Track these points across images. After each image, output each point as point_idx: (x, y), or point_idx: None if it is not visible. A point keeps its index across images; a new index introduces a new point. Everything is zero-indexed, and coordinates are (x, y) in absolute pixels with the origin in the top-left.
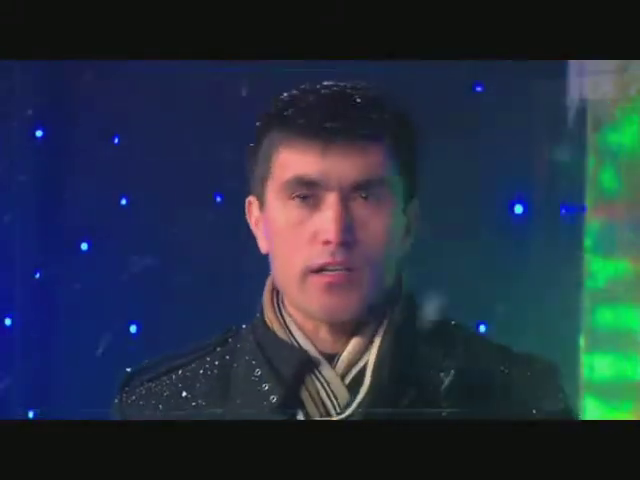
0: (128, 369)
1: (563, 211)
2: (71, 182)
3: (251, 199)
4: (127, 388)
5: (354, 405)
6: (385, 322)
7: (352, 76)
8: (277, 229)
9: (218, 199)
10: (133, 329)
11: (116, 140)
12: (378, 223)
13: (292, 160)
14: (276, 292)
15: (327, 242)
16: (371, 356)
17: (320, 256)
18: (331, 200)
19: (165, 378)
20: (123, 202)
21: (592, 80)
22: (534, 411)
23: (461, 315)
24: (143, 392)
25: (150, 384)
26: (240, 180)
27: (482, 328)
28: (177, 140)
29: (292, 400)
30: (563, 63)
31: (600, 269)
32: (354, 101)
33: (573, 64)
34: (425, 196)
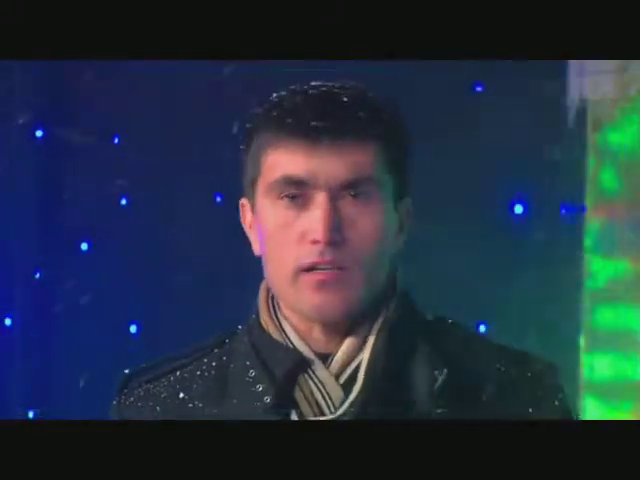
0: (126, 370)
1: (563, 211)
2: (71, 182)
3: (244, 201)
4: (126, 390)
5: (346, 404)
6: (379, 321)
7: (352, 76)
8: (267, 230)
9: (218, 199)
10: (133, 329)
11: (116, 140)
12: (368, 222)
13: (280, 160)
14: (271, 294)
15: (316, 241)
16: (365, 355)
17: (309, 255)
18: (320, 199)
19: (163, 379)
20: (123, 202)
21: (592, 80)
22: (530, 410)
23: (461, 315)
24: (141, 393)
25: (148, 385)
26: (240, 180)
27: (482, 328)
28: (177, 140)
29: (286, 400)
30: (563, 63)
31: (600, 269)
32: (341, 100)
33: (573, 64)
34: (425, 196)
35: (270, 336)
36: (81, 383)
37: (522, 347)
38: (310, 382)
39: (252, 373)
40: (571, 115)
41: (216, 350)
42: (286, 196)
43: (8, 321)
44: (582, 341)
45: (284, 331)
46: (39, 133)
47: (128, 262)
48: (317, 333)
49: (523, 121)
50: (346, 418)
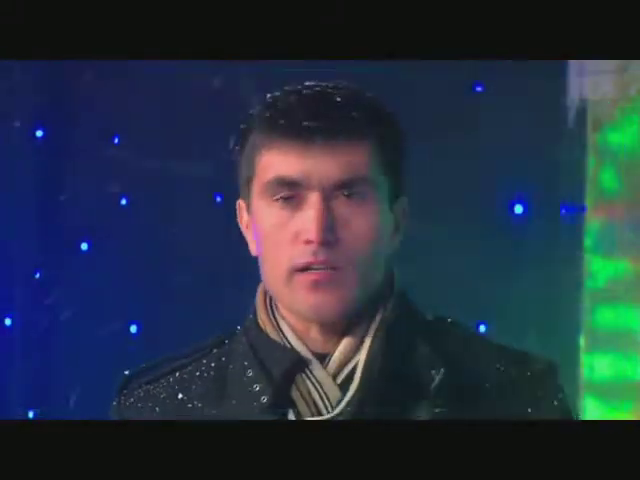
0: (126, 372)
1: (563, 211)
2: (71, 182)
3: (240, 202)
4: (125, 391)
5: (343, 403)
6: (376, 321)
7: (352, 76)
8: (262, 230)
9: (218, 199)
10: (133, 329)
11: (116, 140)
12: (362, 221)
13: (273, 161)
14: (269, 294)
15: (309, 241)
16: (362, 355)
17: (303, 255)
18: (313, 200)
19: (163, 380)
20: (123, 202)
21: (592, 80)
22: (529, 410)
23: (461, 315)
24: (141, 394)
25: (148, 386)
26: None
27: (482, 328)
28: (177, 140)
29: (283, 400)
30: (563, 63)
31: (600, 269)
32: (335, 100)
33: (573, 64)
34: (425, 196)
35: (268, 336)
36: (81, 383)
37: (522, 347)
38: (307, 382)
39: (250, 373)
40: (571, 115)
41: (215, 351)
42: (281, 197)
43: (8, 321)
44: (582, 341)
45: (282, 331)
46: (39, 133)
47: (128, 262)
48: (314, 333)
49: (523, 121)
50: (343, 418)
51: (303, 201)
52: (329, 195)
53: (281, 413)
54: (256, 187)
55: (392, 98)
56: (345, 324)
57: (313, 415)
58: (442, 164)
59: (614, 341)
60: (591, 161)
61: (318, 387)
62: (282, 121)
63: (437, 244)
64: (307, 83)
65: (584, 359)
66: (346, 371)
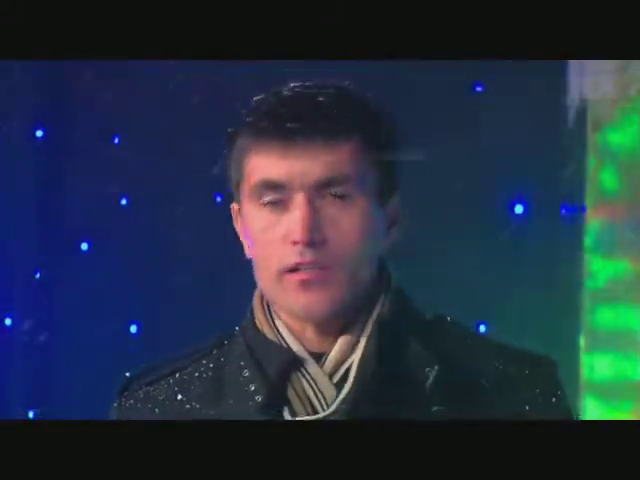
0: (127, 373)
1: (563, 211)
2: (71, 182)
3: (234, 206)
4: (126, 392)
5: (338, 401)
6: (372, 320)
7: (352, 76)
8: (252, 233)
9: (218, 199)
10: (133, 329)
11: (116, 140)
12: (350, 220)
13: (259, 164)
14: None
15: (295, 243)
16: (357, 354)
17: (291, 256)
18: (298, 201)
19: (163, 382)
20: (123, 202)
21: (592, 80)
22: (527, 407)
23: (461, 315)
24: (141, 396)
25: (148, 388)
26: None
27: (482, 328)
28: (177, 140)
29: (277, 399)
30: (563, 63)
31: (600, 269)
32: (317, 100)
33: (573, 64)
34: (426, 196)
35: (264, 336)
36: (81, 383)
37: (522, 347)
38: (303, 380)
39: (246, 373)
40: (571, 115)
41: (215, 351)
42: (267, 199)
43: (8, 321)
44: (582, 341)
45: (278, 331)
46: (39, 133)
47: (128, 262)
48: (310, 333)
49: (523, 121)
50: (338, 416)
51: (289, 203)
52: (315, 195)
53: (275, 412)
54: (245, 191)
55: (392, 98)
56: (341, 323)
57: (308, 414)
58: (442, 164)
59: (614, 341)
60: (591, 161)
61: (313, 385)
62: (265, 124)
63: (437, 244)
64: (292, 84)
65: (584, 359)
66: (342, 370)
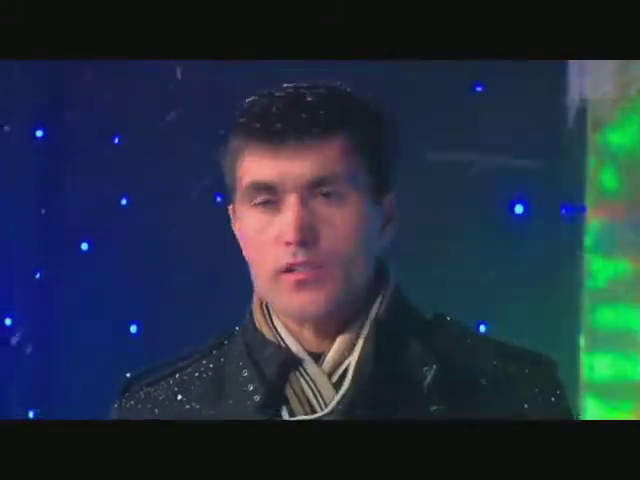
0: (128, 374)
1: (563, 211)
2: (71, 182)
3: (231, 207)
4: (127, 393)
5: (336, 400)
6: (370, 319)
7: (352, 76)
8: (247, 235)
9: (218, 199)
10: (133, 329)
11: (116, 140)
12: (342, 219)
13: (251, 167)
14: None
15: (288, 243)
16: (355, 354)
17: (285, 257)
18: (290, 201)
19: (163, 382)
20: (123, 202)
21: (592, 80)
22: (526, 406)
23: (461, 315)
24: (142, 397)
25: (149, 389)
26: None
27: (482, 328)
28: (177, 140)
29: (275, 399)
30: (563, 63)
31: (600, 269)
32: (306, 101)
33: (573, 64)
34: (426, 196)
35: (263, 336)
36: (81, 383)
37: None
38: (301, 379)
39: (245, 373)
40: (571, 115)
41: (215, 352)
42: (260, 202)
43: (8, 321)
44: (582, 341)
45: (277, 331)
46: (39, 133)
47: (128, 262)
48: (308, 333)
49: (523, 121)
50: (335, 415)
51: (281, 204)
52: (307, 195)
53: (273, 412)
54: (238, 193)
55: (392, 98)
56: (339, 323)
57: (307, 414)
58: (442, 164)
59: (614, 341)
60: (591, 161)
61: (312, 385)
62: (255, 126)
63: (437, 244)
64: (285, 85)
65: (584, 359)
66: (341, 370)
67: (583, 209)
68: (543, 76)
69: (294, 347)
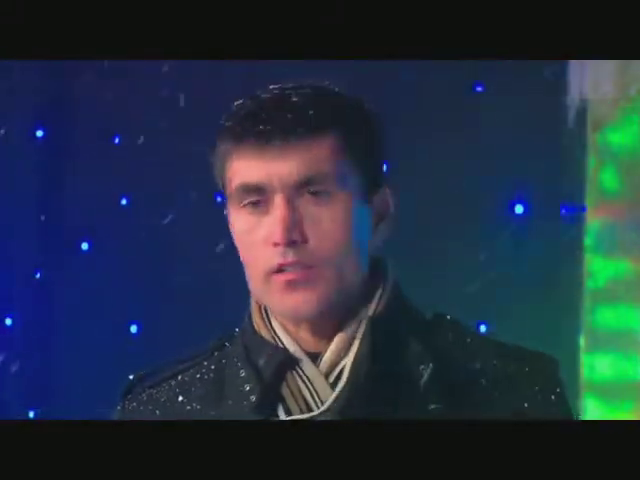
0: (131, 376)
1: (563, 211)
2: (71, 182)
3: (226, 210)
4: (130, 395)
5: (330, 400)
6: (367, 318)
7: (352, 76)
8: (238, 237)
9: (218, 199)
10: (133, 329)
11: (116, 140)
12: (331, 217)
13: (239, 169)
14: None
15: (276, 244)
16: (352, 354)
17: (274, 258)
18: (278, 202)
19: (165, 384)
20: (123, 202)
21: (592, 80)
22: (525, 404)
23: (461, 315)
24: (144, 398)
25: (151, 390)
26: None
27: (482, 328)
28: (177, 140)
29: (271, 398)
30: (563, 63)
31: (600, 269)
32: (291, 101)
33: (573, 64)
34: (426, 196)
35: (261, 337)
36: (81, 383)
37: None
38: (298, 379)
39: (242, 374)
40: (571, 115)
41: (216, 353)
42: (249, 203)
43: (8, 321)
44: (582, 341)
45: (274, 331)
46: (39, 133)
47: (128, 262)
48: (304, 333)
49: (523, 121)
50: (332, 413)
51: (269, 204)
52: (294, 195)
53: (269, 411)
54: (229, 195)
55: (392, 98)
56: (336, 323)
57: (303, 412)
58: (442, 164)
59: (614, 341)
60: (591, 161)
61: (308, 384)
62: (242, 128)
63: (437, 244)
64: (271, 86)
65: (584, 359)
66: (338, 370)
67: (583, 209)
68: (543, 76)
69: (292, 347)
